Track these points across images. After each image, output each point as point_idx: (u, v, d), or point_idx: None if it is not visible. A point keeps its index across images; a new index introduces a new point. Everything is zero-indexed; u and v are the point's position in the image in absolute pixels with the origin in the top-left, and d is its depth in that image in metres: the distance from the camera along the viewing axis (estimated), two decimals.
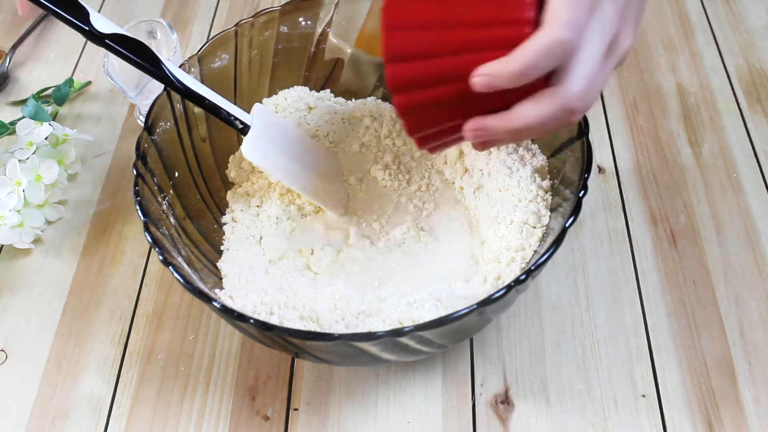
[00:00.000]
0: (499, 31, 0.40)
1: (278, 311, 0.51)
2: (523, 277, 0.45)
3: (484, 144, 0.46)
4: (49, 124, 0.67)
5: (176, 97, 0.58)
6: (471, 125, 0.43)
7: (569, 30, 0.38)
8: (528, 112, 0.41)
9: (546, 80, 0.41)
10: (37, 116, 0.67)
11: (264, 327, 0.45)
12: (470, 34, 0.40)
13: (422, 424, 0.54)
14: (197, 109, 0.60)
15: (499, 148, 0.59)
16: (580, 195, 0.49)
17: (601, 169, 0.68)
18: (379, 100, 0.68)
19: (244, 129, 0.57)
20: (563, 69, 0.40)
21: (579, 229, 0.64)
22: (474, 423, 0.53)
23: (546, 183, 0.56)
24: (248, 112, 0.58)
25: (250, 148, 0.57)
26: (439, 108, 0.43)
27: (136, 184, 0.52)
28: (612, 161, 0.69)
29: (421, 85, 0.42)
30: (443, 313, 0.50)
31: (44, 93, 0.76)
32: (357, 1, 0.64)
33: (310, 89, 0.67)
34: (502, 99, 0.41)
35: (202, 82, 0.60)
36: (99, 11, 0.85)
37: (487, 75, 0.40)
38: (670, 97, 0.74)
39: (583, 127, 0.52)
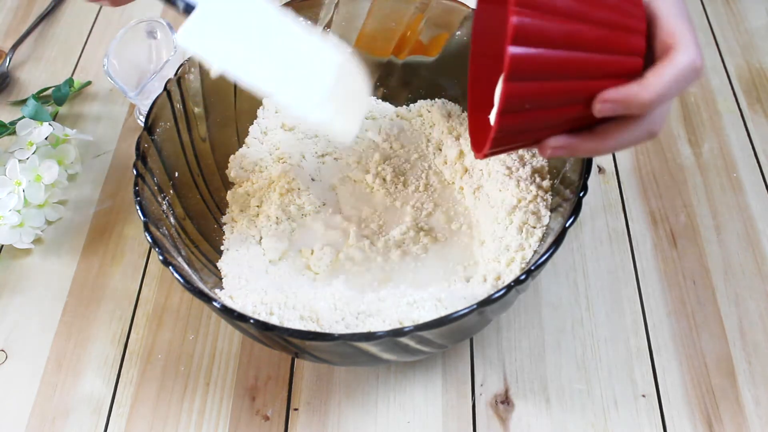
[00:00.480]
0: (617, 59, 0.39)
1: (278, 311, 0.51)
2: (523, 277, 0.45)
3: (559, 149, 0.44)
4: (49, 124, 0.67)
5: (176, 97, 0.58)
6: (557, 143, 0.42)
7: (700, 56, 0.38)
8: (618, 135, 0.40)
9: None
10: (37, 116, 0.67)
11: (264, 327, 0.45)
12: (591, 59, 0.39)
13: (422, 424, 0.54)
14: (197, 109, 0.60)
15: None
16: (580, 195, 0.49)
17: (601, 169, 0.68)
18: (379, 100, 0.68)
19: (188, 8, 0.45)
20: (671, 38, 0.39)
21: (579, 229, 0.64)
22: (474, 423, 0.53)
23: (546, 183, 0.56)
24: (247, 116, 0.57)
25: (187, 32, 0.44)
26: (533, 124, 0.42)
27: (136, 184, 0.52)
28: (612, 161, 0.69)
29: (533, 104, 0.40)
30: (443, 313, 0.50)
31: (44, 93, 0.76)
32: (357, 1, 0.64)
33: None
34: (590, 119, 0.41)
35: (202, 82, 0.60)
36: (99, 11, 0.86)
37: (615, 102, 0.39)
38: None
39: None
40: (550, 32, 0.38)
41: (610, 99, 0.39)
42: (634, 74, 0.40)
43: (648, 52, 0.41)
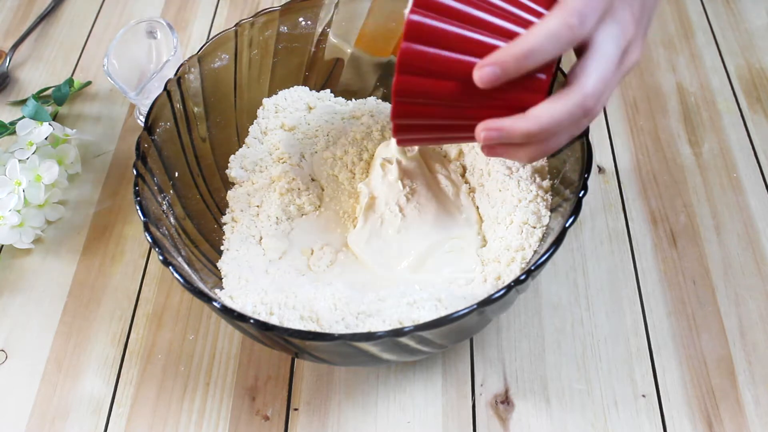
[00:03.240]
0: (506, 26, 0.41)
1: (278, 311, 0.51)
2: (523, 277, 0.45)
3: (493, 148, 0.44)
4: (49, 124, 0.67)
5: (176, 97, 0.58)
6: (484, 125, 0.41)
7: (577, 16, 0.38)
8: (544, 111, 0.40)
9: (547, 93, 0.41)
10: (37, 116, 0.67)
11: (264, 327, 0.45)
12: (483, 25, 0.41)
13: (422, 424, 0.54)
14: (197, 109, 0.60)
15: None
16: (580, 195, 0.49)
17: (601, 169, 0.68)
18: (379, 100, 0.68)
19: None
20: (580, 69, 0.40)
21: (579, 229, 0.64)
22: (474, 423, 0.53)
23: (546, 183, 0.56)
24: (247, 116, 0.57)
25: None
26: (437, 102, 0.43)
27: (136, 184, 0.52)
28: (612, 161, 0.69)
29: (427, 74, 0.41)
30: (443, 313, 0.50)
31: (44, 93, 0.76)
32: (357, 1, 0.64)
33: (310, 89, 0.67)
34: (508, 101, 0.41)
35: (202, 82, 0.60)
36: (99, 11, 0.86)
37: (493, 64, 0.39)
38: (670, 97, 0.74)
39: None
40: (443, 33, 0.41)
41: (488, 62, 0.39)
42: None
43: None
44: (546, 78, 0.41)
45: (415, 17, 0.41)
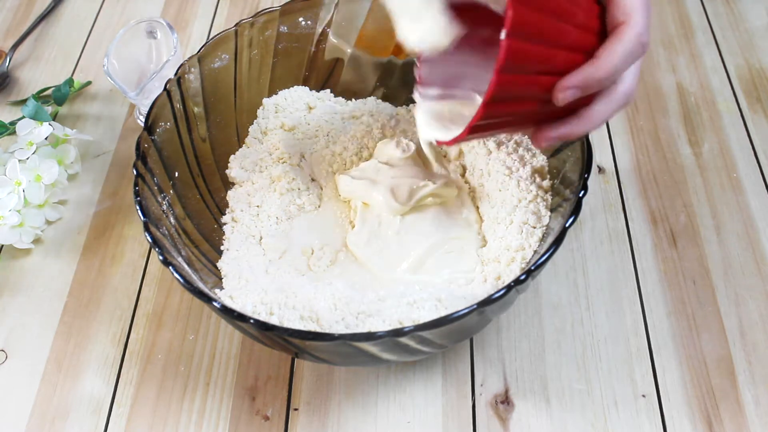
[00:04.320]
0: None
1: (278, 311, 0.51)
2: (523, 277, 0.45)
3: (548, 134, 0.45)
4: (49, 124, 0.67)
5: (176, 96, 0.58)
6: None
7: (647, 33, 0.41)
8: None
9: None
10: (37, 116, 0.67)
11: (264, 327, 0.45)
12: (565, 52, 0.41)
13: (422, 424, 0.54)
14: (197, 109, 0.60)
15: (500, 148, 0.59)
16: (580, 195, 0.49)
17: (601, 169, 0.68)
18: (379, 100, 0.68)
19: None
20: (625, 8, 0.42)
21: (579, 229, 0.64)
22: (474, 423, 0.53)
23: (546, 183, 0.56)
24: (247, 116, 0.56)
25: None
26: (510, 114, 0.43)
27: (136, 184, 0.52)
28: (612, 161, 0.69)
29: (531, 68, 0.41)
30: (443, 313, 0.50)
31: (44, 93, 0.76)
32: (357, 1, 0.64)
33: (310, 89, 0.67)
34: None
35: (202, 82, 0.60)
36: (99, 11, 0.86)
37: (575, 87, 0.41)
38: (670, 97, 0.74)
39: None
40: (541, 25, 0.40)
41: (570, 85, 0.41)
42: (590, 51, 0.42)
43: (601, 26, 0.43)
44: None
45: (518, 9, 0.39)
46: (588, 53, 0.42)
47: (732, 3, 0.83)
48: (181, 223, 0.56)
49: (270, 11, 0.63)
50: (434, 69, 0.52)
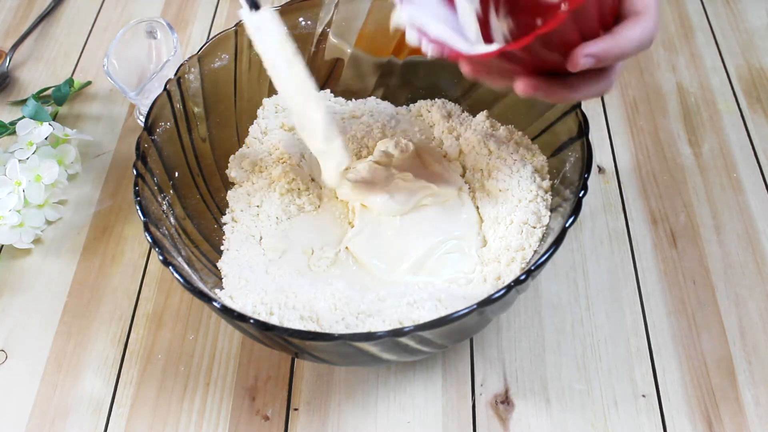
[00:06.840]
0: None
1: (278, 311, 0.51)
2: (523, 277, 0.45)
3: (552, 89, 0.45)
4: (49, 124, 0.67)
5: (176, 97, 0.58)
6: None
7: (658, 29, 0.43)
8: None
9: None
10: (37, 116, 0.67)
11: (264, 327, 0.45)
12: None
13: (422, 424, 0.54)
14: (197, 109, 0.60)
15: (500, 147, 0.59)
16: (580, 195, 0.49)
17: (601, 169, 0.68)
18: (379, 100, 0.68)
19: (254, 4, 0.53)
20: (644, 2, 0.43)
21: (579, 229, 0.64)
22: (474, 423, 0.53)
23: (546, 183, 0.56)
24: (247, 116, 0.57)
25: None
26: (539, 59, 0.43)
27: (136, 184, 0.52)
28: (612, 161, 0.69)
29: (583, 24, 0.41)
30: (443, 313, 0.50)
31: (44, 93, 0.76)
32: (357, 1, 0.64)
33: None
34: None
35: (202, 82, 0.60)
36: (99, 11, 0.86)
37: (594, 56, 0.41)
38: (670, 97, 0.74)
39: (583, 127, 0.52)
40: None
41: (590, 53, 0.41)
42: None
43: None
44: None
45: None
46: (605, 29, 0.42)
47: (732, 3, 0.83)
48: (181, 223, 0.56)
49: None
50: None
